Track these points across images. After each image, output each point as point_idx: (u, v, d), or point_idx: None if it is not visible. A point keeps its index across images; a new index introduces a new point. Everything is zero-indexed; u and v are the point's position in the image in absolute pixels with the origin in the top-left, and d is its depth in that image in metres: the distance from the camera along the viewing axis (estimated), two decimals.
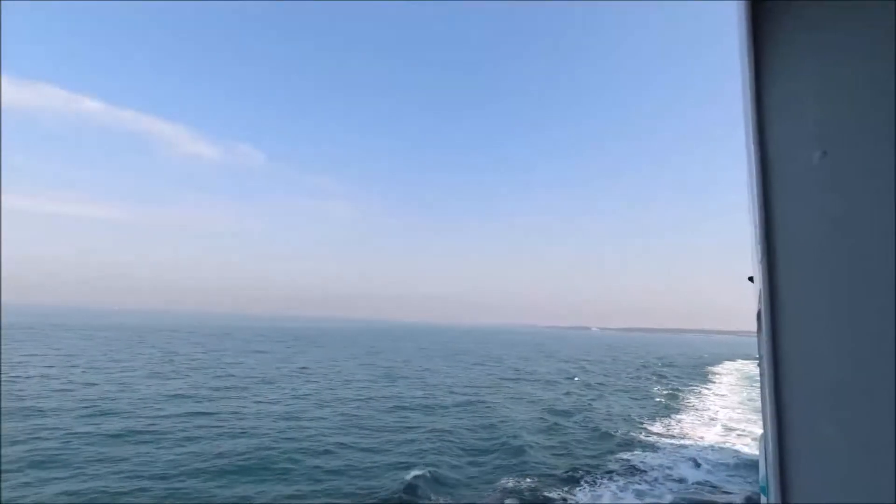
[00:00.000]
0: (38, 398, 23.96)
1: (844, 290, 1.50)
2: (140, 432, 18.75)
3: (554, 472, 16.95)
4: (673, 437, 23.07)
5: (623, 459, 18.75)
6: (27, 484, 13.29)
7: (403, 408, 27.45)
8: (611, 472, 17.22)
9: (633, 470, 17.49)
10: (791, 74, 1.70)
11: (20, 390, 25.78)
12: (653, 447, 20.88)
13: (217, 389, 30.05)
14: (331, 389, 32.95)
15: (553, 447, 20.65)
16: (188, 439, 18.22)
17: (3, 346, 50.24)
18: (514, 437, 21.35)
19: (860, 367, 1.45)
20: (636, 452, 19.85)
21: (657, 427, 25.15)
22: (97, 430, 18.69)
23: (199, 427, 20.08)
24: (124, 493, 13.02)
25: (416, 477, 15.24)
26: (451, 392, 34.60)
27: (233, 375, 37.39)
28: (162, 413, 22.30)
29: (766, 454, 2.13)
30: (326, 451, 17.96)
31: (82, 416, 20.91)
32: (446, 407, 28.25)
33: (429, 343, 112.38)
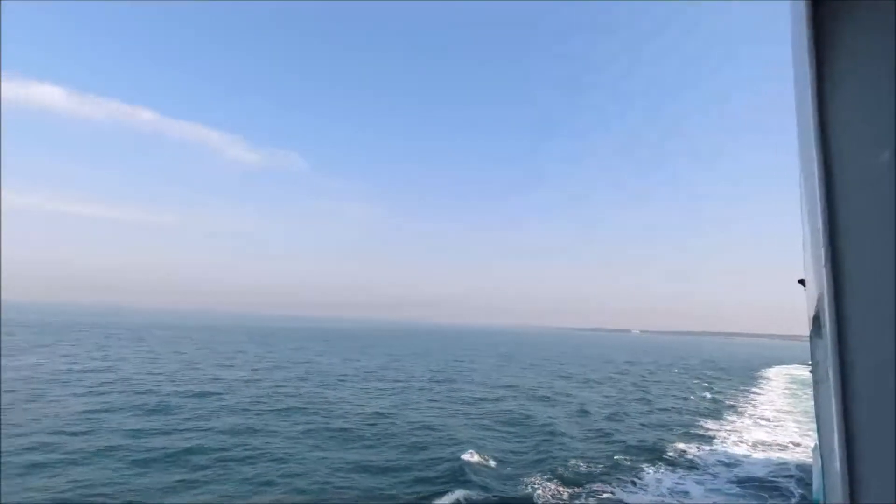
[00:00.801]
0: (165, 396, 27.94)
1: None
2: (258, 430, 21.77)
3: (612, 459, 18.95)
4: (722, 437, 24.25)
5: (678, 452, 20.42)
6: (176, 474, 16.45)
7: (475, 402, 30.43)
8: (666, 463, 18.97)
9: (689, 464, 19.09)
10: (857, 75, 1.68)
11: (131, 382, 30.12)
12: (703, 445, 22.18)
13: (318, 384, 34.39)
14: (405, 383, 36.58)
15: (609, 439, 22.54)
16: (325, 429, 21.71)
17: (62, 343, 55.88)
18: (573, 427, 23.73)
19: None
20: (688, 448, 21.35)
21: (708, 426, 26.54)
22: (231, 423, 22.24)
23: (332, 414, 23.79)
24: (267, 481, 16.21)
25: (470, 457, 17.97)
26: (519, 390, 37.47)
27: (318, 372, 41.93)
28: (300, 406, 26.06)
29: (822, 463, 2.07)
30: (411, 433, 21.22)
31: (211, 410, 24.60)
32: (516, 402, 30.98)
33: (478, 344, 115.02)
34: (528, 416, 26.68)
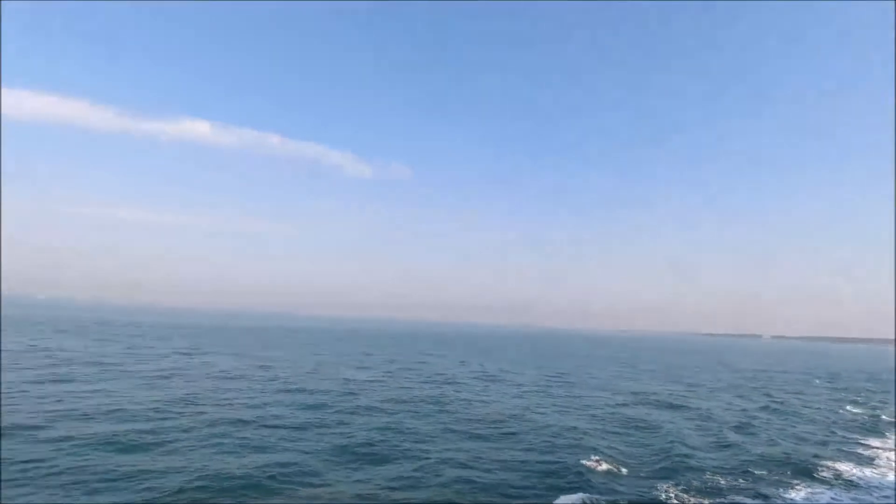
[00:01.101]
0: (310, 394, 31.70)
1: None
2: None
3: (752, 474, 17.98)
4: (887, 456, 22.02)
5: (830, 471, 18.93)
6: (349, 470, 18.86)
7: (597, 407, 30.36)
8: (818, 481, 17.69)
9: (846, 483, 17.67)
10: None
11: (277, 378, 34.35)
12: (862, 465, 20.34)
13: (441, 384, 37.42)
14: (525, 386, 37.42)
15: (746, 451, 21.24)
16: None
17: (226, 343, 64.17)
18: (704, 437, 22.81)
19: None
20: (843, 466, 19.71)
21: (867, 443, 24.00)
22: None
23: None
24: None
25: (597, 463, 18.20)
26: (642, 396, 36.98)
27: (437, 373, 45.24)
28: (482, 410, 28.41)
29: None
30: (535, 434, 21.81)
31: (353, 407, 27.49)
32: (640, 408, 30.45)
33: (592, 349, 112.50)
34: (654, 424, 26.10)
